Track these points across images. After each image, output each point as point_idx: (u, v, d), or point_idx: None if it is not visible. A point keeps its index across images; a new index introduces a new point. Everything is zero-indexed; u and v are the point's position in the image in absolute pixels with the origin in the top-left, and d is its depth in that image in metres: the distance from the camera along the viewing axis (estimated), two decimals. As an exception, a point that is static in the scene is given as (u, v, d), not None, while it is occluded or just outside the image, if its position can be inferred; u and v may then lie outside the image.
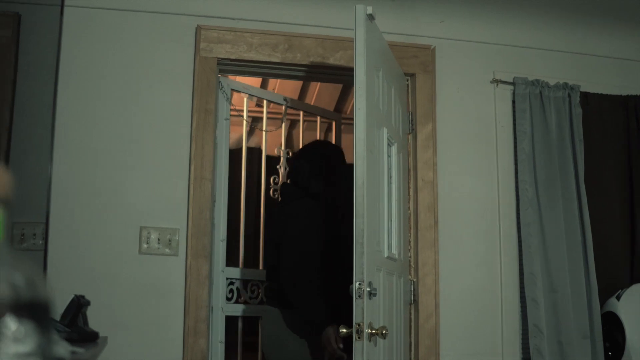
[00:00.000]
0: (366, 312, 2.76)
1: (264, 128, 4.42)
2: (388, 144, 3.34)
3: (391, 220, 3.34)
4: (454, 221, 3.85)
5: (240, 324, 4.00)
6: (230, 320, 3.90)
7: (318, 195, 3.59)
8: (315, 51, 3.82)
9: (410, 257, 3.74)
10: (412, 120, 3.87)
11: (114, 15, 3.65)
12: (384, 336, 2.85)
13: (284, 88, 5.60)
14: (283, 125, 4.57)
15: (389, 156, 3.36)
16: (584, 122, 4.03)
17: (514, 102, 4.00)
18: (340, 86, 5.63)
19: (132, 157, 3.55)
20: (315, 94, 5.69)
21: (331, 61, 3.84)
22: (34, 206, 3.42)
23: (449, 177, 3.88)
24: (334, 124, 5.00)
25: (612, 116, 4.15)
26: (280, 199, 3.86)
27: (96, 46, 3.62)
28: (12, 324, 0.62)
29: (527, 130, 3.93)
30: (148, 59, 3.66)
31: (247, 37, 3.74)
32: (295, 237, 3.44)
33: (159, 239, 3.48)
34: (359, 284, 2.77)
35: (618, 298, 3.79)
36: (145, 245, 3.47)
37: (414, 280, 3.72)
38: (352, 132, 6.05)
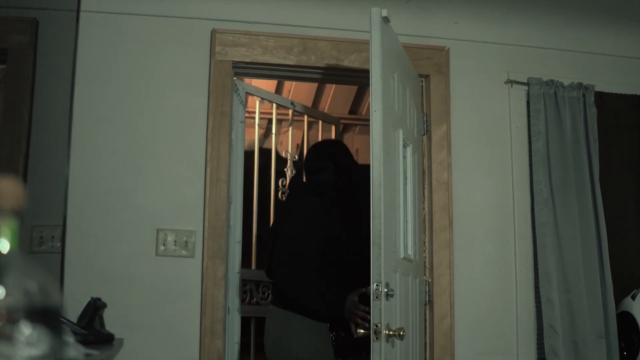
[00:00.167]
0: (384, 313, 2.79)
1: (273, 131, 4.44)
2: (403, 145, 3.36)
3: (407, 221, 3.35)
4: (468, 222, 3.86)
5: (252, 325, 4.04)
6: (243, 322, 3.93)
7: (324, 193, 3.53)
8: (330, 53, 3.85)
9: (425, 257, 3.76)
10: (426, 122, 3.89)
11: (130, 19, 3.70)
12: (401, 337, 2.87)
13: (299, 90, 5.63)
14: (290, 128, 4.59)
15: (405, 157, 3.38)
16: (599, 122, 4.03)
17: (528, 102, 4.01)
18: (355, 88, 5.65)
19: (149, 159, 3.60)
20: (330, 95, 5.73)
21: (345, 63, 3.86)
22: (52, 209, 3.46)
23: (463, 178, 3.89)
24: (333, 127, 5.03)
25: (627, 116, 4.15)
26: (287, 193, 3.90)
27: (112, 50, 3.68)
28: (25, 329, 0.66)
29: (542, 131, 3.93)
30: (164, 62, 3.70)
31: (262, 40, 3.77)
32: (291, 235, 3.37)
33: (175, 241, 3.53)
34: (377, 285, 2.79)
35: (633, 298, 3.79)
36: (162, 247, 3.52)
37: (429, 280, 3.74)
38: (366, 133, 6.13)
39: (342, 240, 3.39)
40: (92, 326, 1.87)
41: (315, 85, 5.59)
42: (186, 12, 3.75)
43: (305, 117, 4.79)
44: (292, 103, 4.55)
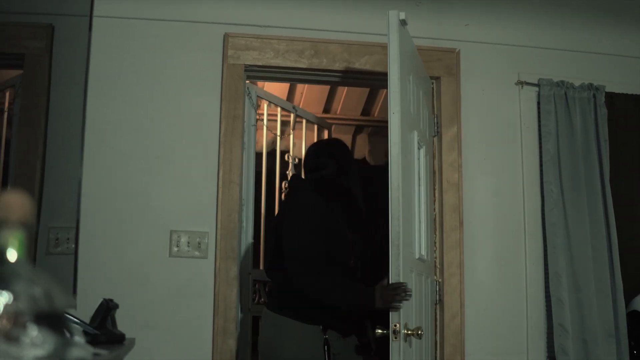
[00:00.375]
0: (402, 313, 2.85)
1: (278, 133, 4.49)
2: (418, 147, 3.40)
3: (420, 222, 3.40)
4: (479, 222, 3.89)
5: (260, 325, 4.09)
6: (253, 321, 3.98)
7: (324, 189, 3.36)
8: (341, 56, 3.90)
9: (435, 257, 3.80)
10: (437, 123, 3.93)
11: (143, 24, 3.76)
12: (419, 336, 2.92)
13: (311, 92, 5.68)
14: (292, 131, 4.64)
15: (418, 159, 3.42)
16: (610, 122, 4.05)
17: (538, 103, 4.03)
18: (367, 90, 5.69)
19: (162, 162, 3.66)
20: (343, 97, 5.77)
21: (357, 66, 3.91)
22: (68, 211, 3.54)
23: (474, 179, 3.93)
24: (331, 129, 5.10)
25: (637, 116, 4.16)
26: (287, 191, 3.83)
27: (126, 54, 3.75)
28: (31, 332, 0.71)
29: (552, 131, 3.96)
30: (177, 66, 3.76)
31: (274, 44, 3.83)
32: (295, 230, 3.18)
33: (188, 242, 3.59)
34: (391, 284, 2.85)
35: (643, 297, 3.82)
36: (175, 249, 3.59)
37: (439, 280, 3.78)
38: (378, 134, 6.17)
39: (346, 238, 3.30)
40: (105, 326, 1.93)
41: (327, 87, 5.63)
42: (199, 17, 3.81)
43: (304, 121, 4.83)
44: (293, 107, 4.59)
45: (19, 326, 0.70)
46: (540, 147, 3.98)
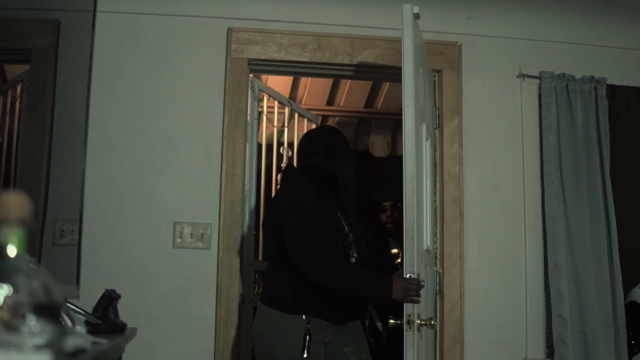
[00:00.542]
0: (417, 304, 2.91)
1: (275, 125, 4.53)
2: (425, 139, 3.44)
3: (427, 213, 3.44)
4: (479, 213, 3.94)
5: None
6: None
7: (314, 177, 3.29)
8: (344, 50, 3.94)
9: (436, 248, 3.85)
10: (438, 116, 3.97)
11: (147, 19, 3.81)
12: (432, 326, 2.99)
13: (315, 85, 5.72)
14: (287, 126, 4.68)
15: (425, 151, 3.46)
16: (611, 114, 4.07)
17: (540, 95, 4.05)
18: (370, 82, 5.73)
19: (166, 154, 3.72)
20: (346, 90, 5.81)
21: (359, 59, 3.95)
22: (73, 203, 3.61)
23: (474, 171, 3.97)
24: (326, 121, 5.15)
25: (638, 108, 4.18)
26: (280, 179, 3.74)
27: (131, 49, 3.79)
28: (30, 322, 0.77)
29: (553, 124, 3.98)
30: (181, 60, 3.82)
31: (277, 38, 3.87)
32: (296, 227, 3.10)
33: (192, 234, 3.65)
34: (410, 277, 2.91)
35: (641, 288, 3.85)
36: (178, 240, 3.65)
37: (440, 271, 3.83)
38: (382, 127, 6.20)
39: (342, 229, 3.23)
40: (107, 316, 1.99)
41: (331, 80, 5.67)
42: (202, 12, 3.86)
43: (296, 114, 4.86)
44: (288, 101, 4.63)
45: (19, 316, 0.76)
46: (541, 140, 4.01)
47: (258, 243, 4.22)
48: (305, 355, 2.99)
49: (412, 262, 2.90)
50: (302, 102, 5.87)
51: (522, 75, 4.08)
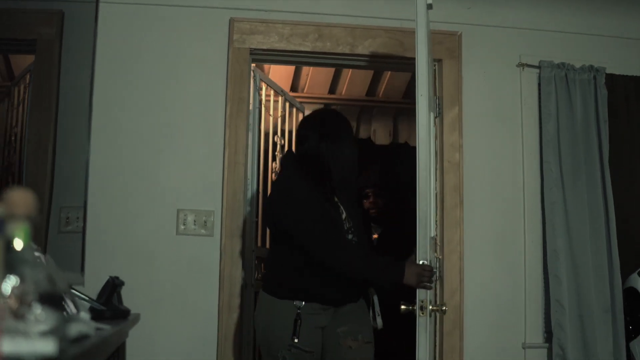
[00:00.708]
0: (429, 290, 2.97)
1: (271, 113, 4.55)
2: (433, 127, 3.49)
3: (432, 201, 3.49)
4: (479, 201, 3.98)
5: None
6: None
7: (304, 164, 3.23)
8: (345, 40, 3.98)
9: (436, 235, 3.90)
10: (438, 105, 4.01)
11: (151, 9, 3.86)
12: (443, 312, 3.05)
13: (317, 74, 5.76)
14: (280, 113, 4.71)
15: (431, 139, 3.50)
16: (610, 103, 4.10)
17: (539, 85, 4.08)
18: (371, 71, 5.76)
19: (170, 143, 3.78)
20: (348, 78, 5.85)
21: (360, 49, 3.99)
22: (78, 191, 3.67)
23: (474, 159, 4.00)
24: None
25: (637, 97, 4.20)
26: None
27: (135, 38, 3.84)
28: (36, 310, 0.83)
29: (552, 112, 4.02)
30: (184, 50, 3.86)
31: (279, 28, 3.92)
32: (292, 209, 3.10)
33: (195, 221, 3.71)
34: (422, 263, 2.96)
35: (639, 274, 3.89)
36: (182, 227, 3.71)
37: (440, 257, 3.88)
38: (384, 114, 6.22)
39: (338, 217, 3.20)
40: (111, 302, 2.05)
41: (332, 69, 5.70)
42: (205, 2, 3.90)
43: (287, 103, 4.88)
44: (282, 91, 4.66)
45: (25, 305, 0.82)
46: (541, 128, 4.04)
47: (259, 230, 4.27)
48: (295, 341, 3.00)
49: (425, 249, 2.96)
50: (305, 91, 5.91)
51: (521, 65, 4.11)
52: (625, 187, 4.10)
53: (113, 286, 2.09)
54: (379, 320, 3.30)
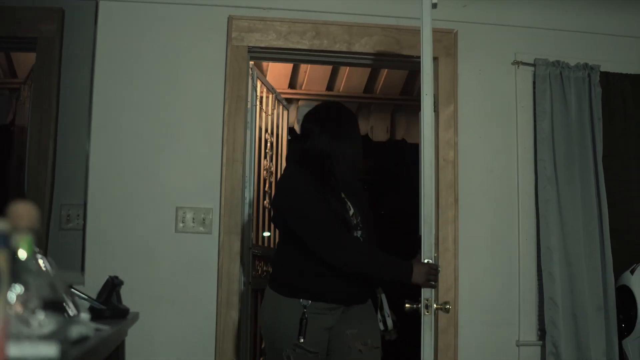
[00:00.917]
0: (434, 288, 3.02)
1: (262, 110, 4.55)
2: (429, 125, 3.52)
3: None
4: (474, 198, 4.02)
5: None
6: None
7: (305, 161, 3.17)
8: (342, 37, 4.01)
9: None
10: (434, 102, 4.03)
11: (150, 7, 3.89)
12: (447, 310, 3.06)
13: (315, 71, 5.79)
14: (274, 111, 4.76)
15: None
16: (605, 101, 4.14)
17: (534, 82, 4.12)
18: (368, 69, 5.79)
19: (169, 141, 3.82)
20: (345, 76, 5.88)
21: (357, 47, 4.03)
22: (78, 188, 3.71)
23: (469, 156, 4.04)
24: None
25: (632, 95, 4.24)
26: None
27: (134, 36, 3.88)
28: (39, 316, 0.88)
29: (547, 110, 4.05)
30: (183, 48, 3.90)
31: (277, 26, 3.95)
32: (296, 207, 3.06)
33: (193, 218, 3.75)
34: (428, 262, 3.00)
35: (632, 272, 3.91)
36: (181, 224, 3.75)
37: (435, 255, 3.91)
38: (381, 111, 6.24)
39: (344, 213, 3.15)
40: (110, 301, 2.10)
41: (330, 66, 5.73)
42: (204, 0, 3.93)
43: (276, 100, 4.93)
44: (273, 89, 4.69)
45: (29, 311, 0.87)
46: (535, 126, 4.07)
47: (257, 227, 4.32)
48: (301, 340, 2.96)
49: (431, 247, 3.00)
50: (303, 88, 5.95)
51: (517, 63, 4.15)
52: (620, 185, 4.14)
53: (112, 286, 2.13)
54: (389, 321, 3.29)
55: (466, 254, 3.95)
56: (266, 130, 4.61)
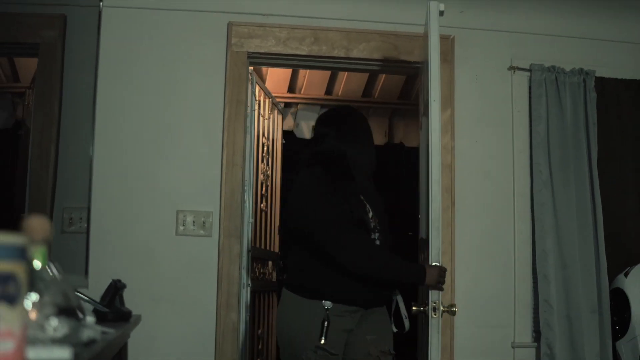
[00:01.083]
0: (441, 291, 3.06)
1: (258, 114, 4.60)
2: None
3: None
4: (470, 202, 4.06)
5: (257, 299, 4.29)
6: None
7: (322, 162, 3.17)
8: (340, 43, 4.07)
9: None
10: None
11: (152, 14, 3.95)
12: (453, 313, 3.11)
13: (314, 76, 5.84)
14: (270, 115, 4.80)
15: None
16: (600, 106, 4.17)
17: (530, 87, 4.16)
18: (367, 74, 5.84)
19: (170, 145, 3.87)
20: (343, 80, 5.92)
21: (355, 53, 4.08)
22: (81, 192, 3.76)
23: (466, 160, 4.09)
24: None
25: (627, 100, 4.27)
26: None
27: (136, 42, 3.93)
28: (53, 322, 0.94)
29: (543, 115, 4.09)
30: (184, 53, 3.95)
31: (276, 32, 4.00)
32: (311, 209, 3.05)
33: (194, 221, 3.81)
34: (437, 265, 3.03)
35: (626, 275, 3.94)
36: (181, 227, 3.80)
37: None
38: (379, 115, 6.27)
39: (363, 214, 3.13)
40: (113, 304, 2.15)
41: (328, 72, 5.77)
42: (204, 6, 3.99)
43: (271, 103, 4.98)
44: (269, 94, 4.74)
45: (44, 318, 0.93)
46: (531, 131, 4.12)
47: (256, 230, 4.37)
48: (322, 342, 2.94)
49: (438, 250, 3.03)
50: (302, 92, 5.99)
51: (513, 68, 4.19)
52: (615, 189, 4.17)
53: (115, 289, 2.19)
54: (407, 323, 3.29)
55: (462, 257, 4.00)
56: (263, 134, 4.66)
